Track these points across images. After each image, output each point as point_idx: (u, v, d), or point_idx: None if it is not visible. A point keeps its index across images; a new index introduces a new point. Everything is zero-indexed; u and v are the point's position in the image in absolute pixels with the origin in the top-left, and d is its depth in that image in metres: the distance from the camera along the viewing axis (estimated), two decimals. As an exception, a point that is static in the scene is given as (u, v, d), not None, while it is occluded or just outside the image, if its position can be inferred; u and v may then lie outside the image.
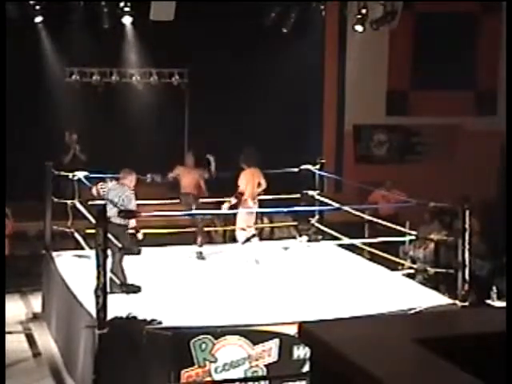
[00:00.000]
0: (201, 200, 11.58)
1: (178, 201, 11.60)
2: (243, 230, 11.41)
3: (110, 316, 8.29)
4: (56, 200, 11.74)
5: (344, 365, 2.53)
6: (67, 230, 11.69)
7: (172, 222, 11.91)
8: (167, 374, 8.40)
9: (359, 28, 15.69)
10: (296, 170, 12.62)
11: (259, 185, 11.37)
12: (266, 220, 14.18)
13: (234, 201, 11.16)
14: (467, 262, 9.39)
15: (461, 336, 2.79)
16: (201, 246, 11.62)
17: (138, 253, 10.87)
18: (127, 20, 15.01)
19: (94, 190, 10.52)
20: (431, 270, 11.32)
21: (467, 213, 9.35)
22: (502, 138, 11.81)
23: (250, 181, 11.30)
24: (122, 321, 8.41)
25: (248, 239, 11.43)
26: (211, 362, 8.50)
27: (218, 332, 8.54)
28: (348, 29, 16.24)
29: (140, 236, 10.20)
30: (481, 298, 10.76)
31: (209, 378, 8.51)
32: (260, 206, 11.64)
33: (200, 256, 11.59)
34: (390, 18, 15.65)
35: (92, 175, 11.48)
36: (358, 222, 13.04)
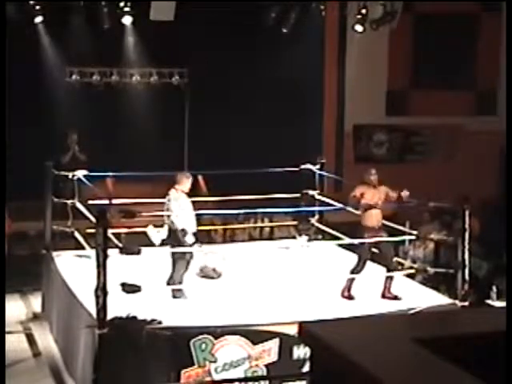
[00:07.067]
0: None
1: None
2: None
3: (110, 316, 8.29)
4: (56, 200, 11.73)
5: (344, 365, 2.53)
6: (67, 229, 11.68)
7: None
8: (167, 373, 8.41)
9: (359, 28, 15.69)
10: (296, 169, 12.61)
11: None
12: (265, 220, 14.17)
13: None
14: (467, 262, 9.39)
15: (461, 336, 2.79)
16: None
17: (138, 253, 10.84)
18: (127, 20, 15.00)
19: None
20: (431, 270, 11.31)
21: (467, 213, 9.35)
22: (502, 138, 11.81)
23: None
24: (122, 321, 8.41)
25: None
26: (211, 361, 8.50)
27: (218, 332, 8.54)
28: (348, 29, 16.23)
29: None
30: (481, 298, 10.76)
31: (209, 378, 8.52)
32: (260, 206, 11.64)
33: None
34: (389, 18, 15.65)
35: (92, 174, 11.50)
36: (358, 222, 13.00)
